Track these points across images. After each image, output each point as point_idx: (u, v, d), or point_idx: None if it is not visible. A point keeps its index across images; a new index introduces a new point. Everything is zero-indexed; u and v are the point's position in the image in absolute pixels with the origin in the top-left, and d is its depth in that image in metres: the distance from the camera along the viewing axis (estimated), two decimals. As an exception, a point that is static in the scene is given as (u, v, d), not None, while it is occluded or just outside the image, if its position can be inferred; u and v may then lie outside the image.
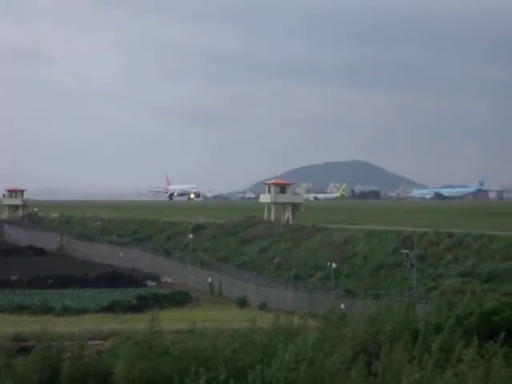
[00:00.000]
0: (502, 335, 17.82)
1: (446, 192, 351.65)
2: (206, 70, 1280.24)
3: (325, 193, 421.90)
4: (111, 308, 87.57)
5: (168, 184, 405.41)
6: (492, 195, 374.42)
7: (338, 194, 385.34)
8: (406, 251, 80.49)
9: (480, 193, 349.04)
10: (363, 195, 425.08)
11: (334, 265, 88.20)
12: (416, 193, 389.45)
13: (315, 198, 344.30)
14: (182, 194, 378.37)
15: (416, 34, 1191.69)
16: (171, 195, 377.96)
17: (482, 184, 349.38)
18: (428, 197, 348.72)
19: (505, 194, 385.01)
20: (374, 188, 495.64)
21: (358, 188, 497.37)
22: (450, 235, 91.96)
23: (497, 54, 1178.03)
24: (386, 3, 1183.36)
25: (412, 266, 78.88)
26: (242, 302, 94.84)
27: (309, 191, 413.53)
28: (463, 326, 22.54)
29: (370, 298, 76.77)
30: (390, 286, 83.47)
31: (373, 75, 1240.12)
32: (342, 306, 71.71)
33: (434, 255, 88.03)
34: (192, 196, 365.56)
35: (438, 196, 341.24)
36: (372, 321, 25.90)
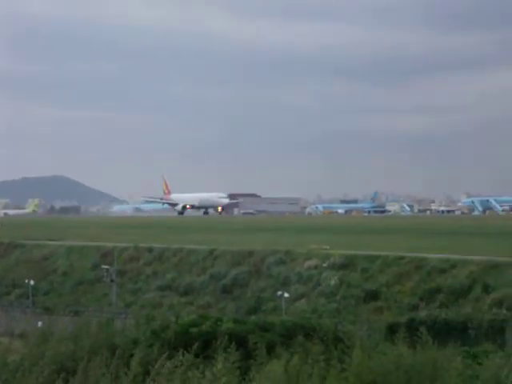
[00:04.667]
0: (195, 346, 18.56)
1: (145, 207, 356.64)
2: None
3: (24, 208, 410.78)
4: None
5: (168, 192, 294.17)
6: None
7: (30, 210, 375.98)
8: (106, 266, 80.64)
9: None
10: (64, 210, 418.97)
11: (32, 282, 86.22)
12: (117, 208, 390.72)
13: (5, 214, 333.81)
14: (200, 207, 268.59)
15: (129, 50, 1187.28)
16: (184, 208, 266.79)
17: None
18: (129, 212, 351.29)
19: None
20: (75, 203, 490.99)
21: (59, 203, 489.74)
22: (150, 250, 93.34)
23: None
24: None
25: (112, 281, 79.18)
26: None
27: (6, 207, 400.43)
28: (160, 339, 23.05)
29: (70, 315, 75.78)
30: (91, 301, 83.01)
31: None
32: (40, 323, 70.10)
33: (134, 270, 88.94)
34: (220, 209, 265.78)
35: (139, 211, 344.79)
36: (71, 338, 25.69)
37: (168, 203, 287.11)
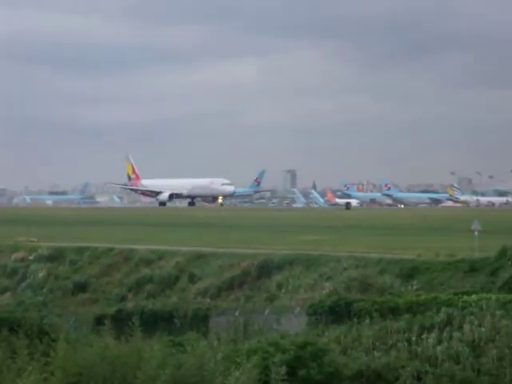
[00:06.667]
0: None
1: None
2: None
3: None
4: None
5: (136, 178, 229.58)
6: None
7: None
8: None
9: None
10: None
11: None
12: None
13: None
14: (191, 196, 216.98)
15: None
16: (171, 197, 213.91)
17: None
18: None
19: None
20: None
21: None
22: None
23: None
24: None
25: None
26: None
27: None
28: None
29: None
30: None
31: None
32: None
33: None
34: (220, 200, 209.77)
35: None
36: None
37: (144, 192, 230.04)
